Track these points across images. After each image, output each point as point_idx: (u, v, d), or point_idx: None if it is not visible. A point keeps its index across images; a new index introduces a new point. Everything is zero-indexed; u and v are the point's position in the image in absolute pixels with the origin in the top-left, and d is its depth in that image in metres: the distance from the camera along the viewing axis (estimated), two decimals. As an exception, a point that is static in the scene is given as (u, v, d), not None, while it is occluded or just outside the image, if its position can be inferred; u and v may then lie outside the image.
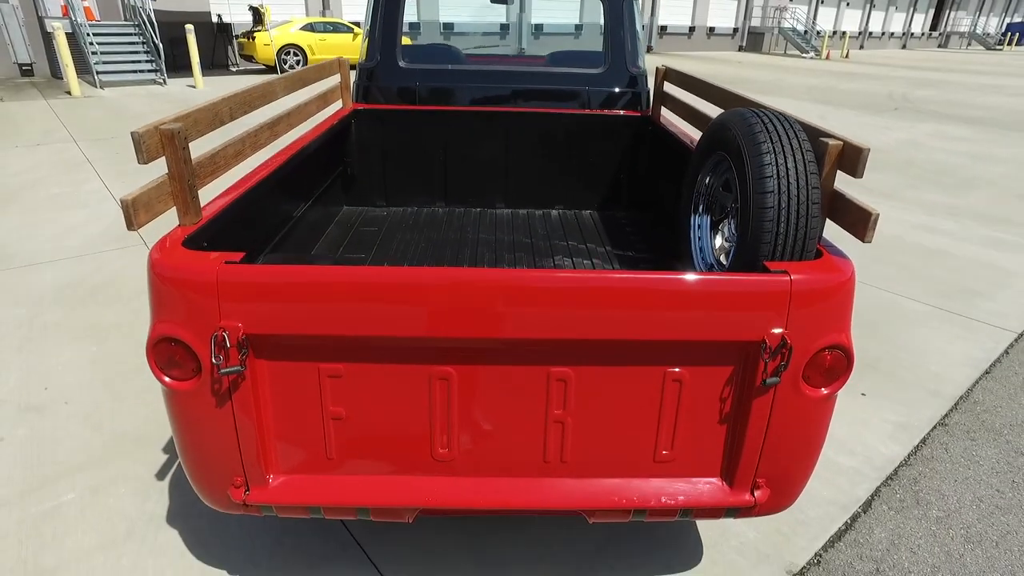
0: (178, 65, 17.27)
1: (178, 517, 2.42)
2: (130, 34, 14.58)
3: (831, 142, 1.74)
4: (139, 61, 14.32)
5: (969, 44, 48.67)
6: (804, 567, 2.28)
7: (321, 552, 2.27)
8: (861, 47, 39.45)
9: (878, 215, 1.64)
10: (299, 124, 2.83)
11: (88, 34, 13.71)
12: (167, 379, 1.62)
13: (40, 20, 15.01)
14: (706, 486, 1.80)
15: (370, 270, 1.54)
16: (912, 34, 43.04)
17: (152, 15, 14.20)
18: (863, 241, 1.68)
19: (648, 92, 3.81)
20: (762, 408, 1.68)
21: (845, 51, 32.38)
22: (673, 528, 2.42)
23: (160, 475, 2.63)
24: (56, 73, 15.34)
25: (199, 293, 1.54)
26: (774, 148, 1.75)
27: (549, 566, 2.24)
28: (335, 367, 1.65)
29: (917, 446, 2.94)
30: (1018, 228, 6.14)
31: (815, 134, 1.82)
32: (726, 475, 1.80)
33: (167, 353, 1.59)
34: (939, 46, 46.53)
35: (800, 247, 1.72)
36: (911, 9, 41.40)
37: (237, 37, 18.38)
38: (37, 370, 3.34)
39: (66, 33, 12.78)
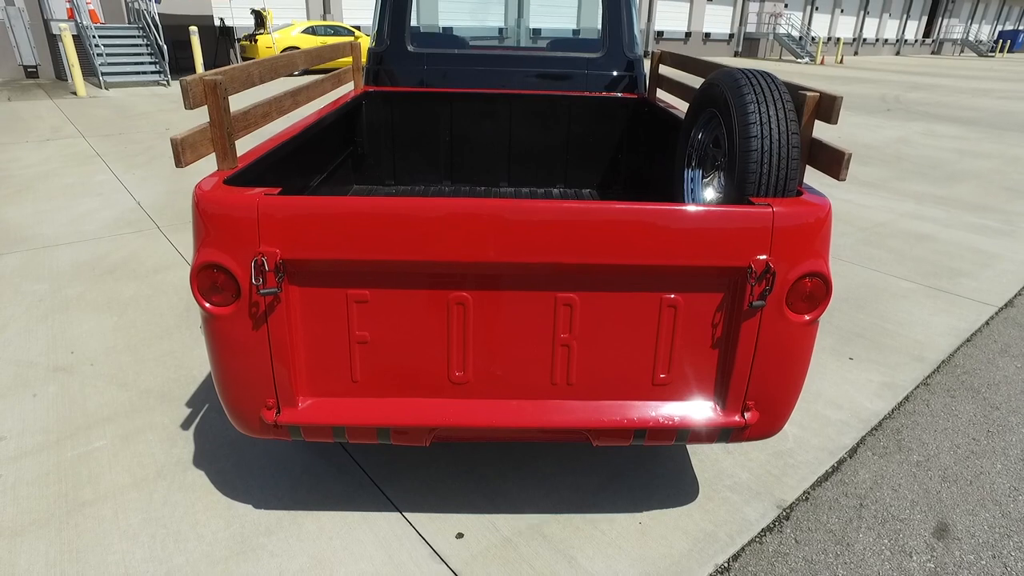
0: (181, 67, 17.49)
1: (204, 460, 2.57)
2: (134, 36, 14.80)
3: (808, 94, 1.92)
4: (143, 63, 14.53)
5: (962, 51, 49.23)
6: (793, 503, 2.44)
7: (340, 490, 2.42)
8: (856, 53, 39.91)
9: (850, 154, 1.82)
10: (317, 97, 3.01)
11: (93, 36, 13.92)
12: (208, 304, 1.78)
13: (45, 23, 15.22)
14: (700, 408, 1.96)
15: (395, 201, 1.71)
16: (906, 40, 43.56)
17: (156, 18, 14.42)
18: (838, 179, 1.86)
19: (645, 76, 4.00)
20: (750, 332, 1.85)
21: (839, 56, 32.79)
22: (671, 467, 2.59)
23: (185, 425, 2.79)
24: (60, 75, 15.54)
25: (241, 222, 1.71)
26: (757, 98, 1.93)
27: (554, 503, 2.40)
28: (361, 293, 1.81)
29: (901, 403, 3.11)
30: (1003, 215, 6.34)
31: (795, 88, 2.00)
32: (718, 398, 1.96)
33: (210, 279, 1.75)
34: (932, 52, 47.07)
35: (782, 186, 1.89)
36: (904, 16, 41.92)
37: (239, 40, 18.62)
38: (63, 337, 3.49)
39: (72, 36, 12.98)
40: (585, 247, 1.73)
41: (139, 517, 2.27)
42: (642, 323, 1.87)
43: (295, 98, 2.69)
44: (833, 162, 1.86)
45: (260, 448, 2.65)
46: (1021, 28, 52.92)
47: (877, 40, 40.93)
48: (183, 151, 1.77)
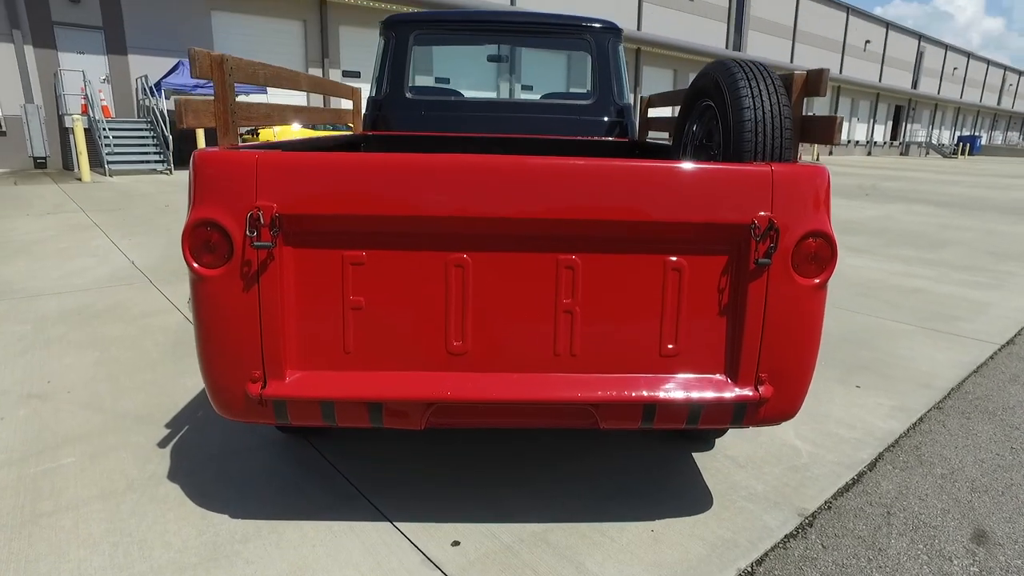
0: (185, 158, 18.13)
1: (180, 474, 2.38)
2: (142, 129, 15.47)
3: (796, 73, 1.99)
4: (148, 152, 15.09)
5: (927, 153, 52.19)
6: (815, 511, 2.26)
7: (326, 501, 2.23)
8: (830, 153, 42.18)
9: (842, 118, 1.85)
10: (316, 123, 3.09)
11: (104, 129, 14.54)
12: (197, 265, 1.72)
13: (60, 118, 15.94)
14: (711, 382, 1.86)
15: (394, 156, 1.70)
16: (875, 143, 46.24)
17: (165, 112, 15.16)
18: (832, 144, 1.88)
19: (635, 122, 4.16)
20: (758, 297, 1.79)
21: (816, 155, 34.64)
22: (680, 480, 2.42)
23: (163, 444, 2.61)
24: (68, 165, 16.06)
25: (239, 176, 1.69)
26: (748, 78, 1.99)
27: (558, 512, 2.21)
28: (357, 254, 1.76)
29: (915, 423, 2.98)
30: (991, 273, 6.43)
31: (783, 73, 2.07)
32: (730, 371, 1.86)
33: (203, 237, 1.71)
34: (901, 154, 49.85)
35: (777, 156, 1.91)
36: (871, 120, 44.78)
37: (242, 135, 19.48)
38: (40, 369, 3.35)
39: (83, 128, 13.57)
40: (586, 202, 1.72)
41: (102, 527, 2.07)
42: (646, 288, 1.81)
43: (297, 113, 2.76)
44: (826, 129, 1.90)
45: (241, 461, 2.47)
46: (977, 134, 56.60)
47: (849, 141, 43.41)
48: (186, 113, 1.78)
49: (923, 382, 3.47)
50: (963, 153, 48.96)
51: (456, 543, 2.03)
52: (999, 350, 4.04)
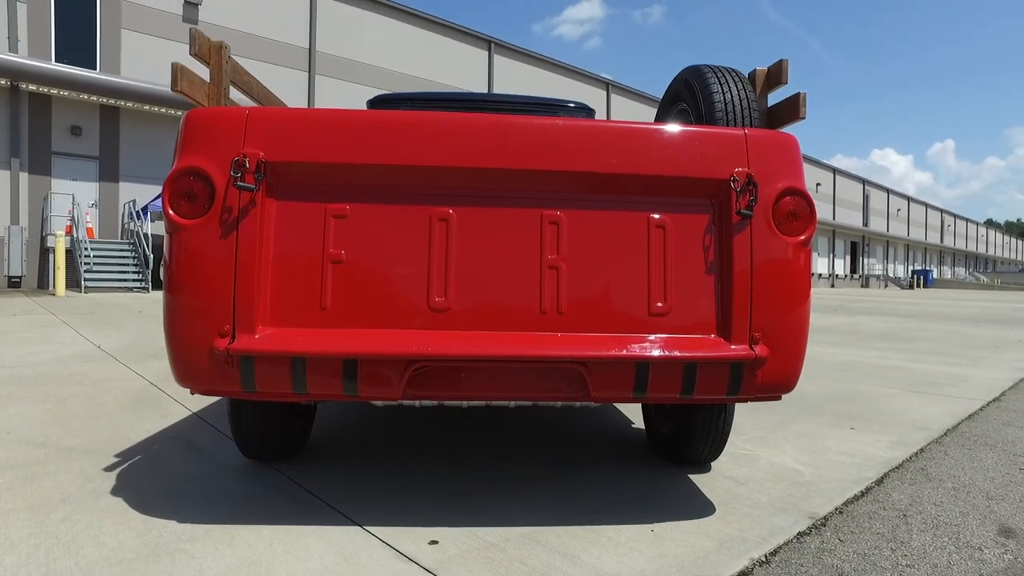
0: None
1: (125, 490, 2.13)
2: (124, 251, 15.64)
3: (759, 69, 2.17)
4: (127, 272, 15.13)
5: (886, 285, 54.86)
6: (827, 515, 2.08)
7: (287, 510, 1.99)
8: (793, 285, 44.02)
9: (805, 93, 1.98)
10: None
11: (86, 248, 14.67)
12: (175, 214, 1.68)
13: (43, 238, 16.09)
14: (705, 342, 1.79)
15: (379, 112, 1.76)
16: (837, 275, 48.61)
17: (149, 234, 15.44)
18: (800, 118, 2.00)
19: None
20: (743, 253, 1.79)
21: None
22: (678, 492, 2.23)
23: (109, 469, 2.35)
24: (43, 285, 15.93)
25: (228, 126, 1.71)
26: (717, 76, 2.16)
27: (549, 519, 2.00)
28: (341, 207, 1.75)
29: (916, 452, 2.85)
30: (963, 357, 6.50)
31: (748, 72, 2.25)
32: (723, 331, 1.81)
33: (185, 186, 1.69)
34: (862, 285, 52.28)
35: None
36: (831, 254, 47.44)
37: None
38: (-19, 416, 3.08)
39: (65, 248, 13.68)
40: (568, 155, 1.76)
41: (25, 531, 1.80)
42: (631, 245, 1.80)
43: None
44: (790, 109, 2.02)
45: (197, 483, 2.23)
46: (929, 268, 60.14)
47: (813, 274, 45.60)
48: (180, 76, 1.84)
49: (918, 426, 3.37)
50: (918, 285, 51.59)
51: (434, 542, 1.80)
52: (987, 404, 3.98)
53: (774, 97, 2.24)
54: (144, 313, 9.37)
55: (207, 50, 1.99)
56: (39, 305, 10.39)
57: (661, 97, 2.56)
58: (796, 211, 1.82)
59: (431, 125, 1.74)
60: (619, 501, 2.14)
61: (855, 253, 51.79)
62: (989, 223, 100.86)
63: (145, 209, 15.99)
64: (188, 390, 1.76)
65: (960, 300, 24.08)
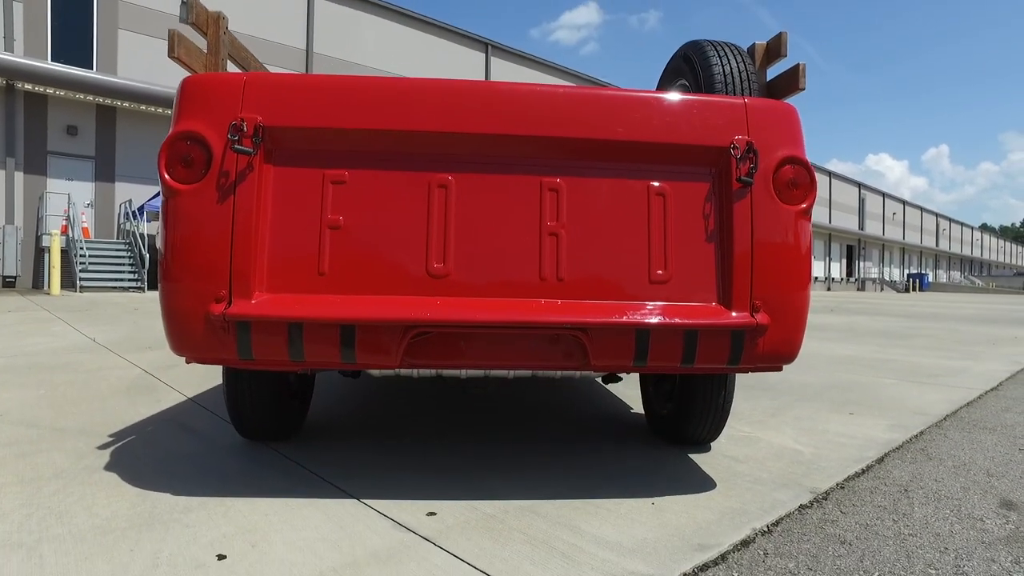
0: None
1: (120, 466, 2.11)
2: (120, 251, 15.57)
3: (758, 43, 2.16)
4: (123, 272, 15.07)
5: (882, 288, 55.02)
6: (828, 490, 2.07)
7: (284, 485, 1.97)
8: (790, 288, 44.10)
9: (804, 64, 1.98)
10: None
11: (82, 248, 14.61)
12: (171, 179, 1.67)
13: (38, 238, 16.02)
14: (706, 309, 1.78)
15: (378, 77, 1.74)
16: (834, 279, 48.72)
17: (145, 234, 15.38)
18: (799, 89, 1.99)
19: None
20: (744, 220, 1.78)
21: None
22: (677, 469, 2.21)
23: (103, 447, 2.32)
24: (38, 284, 15.86)
25: (226, 91, 1.69)
26: (716, 49, 2.15)
27: (548, 494, 1.98)
28: (339, 173, 1.73)
29: (916, 435, 2.84)
30: (960, 352, 6.51)
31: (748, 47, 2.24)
32: (723, 299, 1.79)
33: (181, 151, 1.67)
34: (858, 289, 52.42)
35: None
36: (827, 258, 47.56)
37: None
38: (-26, 401, 3.05)
39: (60, 248, 13.62)
40: (569, 122, 1.75)
41: (17, 502, 1.78)
42: (632, 213, 1.79)
43: None
44: (790, 81, 2.02)
45: (192, 461, 2.20)
46: (924, 272, 60.33)
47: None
48: (178, 42, 1.82)
49: (917, 411, 3.36)
50: (914, 288, 51.77)
51: (432, 514, 1.78)
52: (985, 393, 3.98)
53: (773, 71, 2.24)
54: (140, 311, 9.33)
55: (204, 19, 1.98)
56: (34, 303, 10.33)
57: (661, 72, 2.56)
58: (796, 179, 1.81)
59: (431, 90, 1.73)
60: (618, 476, 2.12)
61: (851, 257, 51.91)
62: (984, 227, 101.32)
63: (141, 209, 15.94)
64: (183, 358, 1.74)
65: (956, 302, 24.13)
